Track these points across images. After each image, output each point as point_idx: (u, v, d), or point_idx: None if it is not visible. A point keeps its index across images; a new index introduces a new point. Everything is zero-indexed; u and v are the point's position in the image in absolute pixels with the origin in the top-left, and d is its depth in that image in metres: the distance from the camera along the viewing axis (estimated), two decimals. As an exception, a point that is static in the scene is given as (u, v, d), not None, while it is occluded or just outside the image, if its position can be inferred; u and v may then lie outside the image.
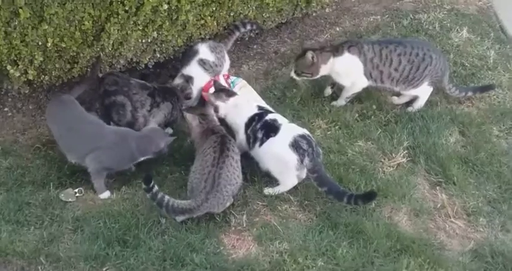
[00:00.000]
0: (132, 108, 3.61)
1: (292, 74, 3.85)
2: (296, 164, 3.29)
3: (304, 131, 3.39)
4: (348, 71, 3.83)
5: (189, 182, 3.27)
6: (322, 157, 3.38)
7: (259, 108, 3.54)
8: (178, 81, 3.84)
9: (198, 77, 3.83)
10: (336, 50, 3.81)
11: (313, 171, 3.30)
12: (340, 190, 3.29)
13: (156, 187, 3.12)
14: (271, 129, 3.38)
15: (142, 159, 3.43)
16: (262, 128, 3.41)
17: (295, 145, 3.28)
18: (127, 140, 3.37)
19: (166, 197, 3.11)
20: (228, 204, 3.27)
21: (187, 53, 3.87)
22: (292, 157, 3.28)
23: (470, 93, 4.04)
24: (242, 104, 3.55)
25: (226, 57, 3.96)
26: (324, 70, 3.81)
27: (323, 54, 3.78)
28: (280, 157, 3.31)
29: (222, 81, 3.85)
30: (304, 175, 3.41)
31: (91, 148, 3.34)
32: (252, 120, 3.46)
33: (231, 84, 3.88)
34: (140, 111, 3.63)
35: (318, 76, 3.84)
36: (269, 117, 3.45)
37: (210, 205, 3.15)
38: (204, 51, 3.82)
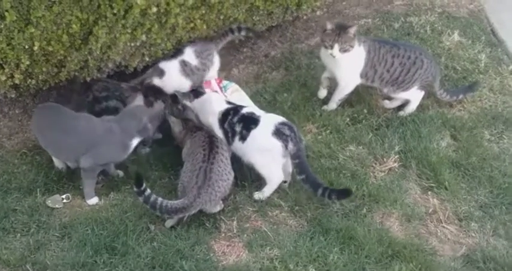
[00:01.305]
0: None
1: (336, 53, 3.67)
2: (281, 151, 3.31)
3: (284, 119, 3.42)
4: (353, 64, 3.78)
5: (179, 183, 3.25)
6: (304, 144, 3.39)
7: (228, 102, 3.58)
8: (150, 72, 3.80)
9: (171, 74, 3.77)
10: (359, 38, 3.77)
11: (295, 157, 3.30)
12: (317, 181, 3.30)
13: (148, 190, 3.09)
14: (251, 121, 3.41)
15: (134, 143, 3.35)
16: (240, 121, 3.44)
17: (278, 133, 3.31)
18: (111, 128, 3.31)
19: (159, 199, 3.09)
20: (218, 208, 3.26)
21: (173, 52, 3.83)
22: (277, 144, 3.30)
23: (461, 96, 4.03)
24: (209, 100, 3.59)
25: (216, 58, 3.90)
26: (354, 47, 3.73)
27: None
28: (265, 148, 3.33)
29: (215, 85, 3.83)
30: (290, 169, 3.39)
31: (86, 146, 3.28)
32: (226, 115, 3.49)
33: (223, 89, 3.86)
34: None
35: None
36: (245, 110, 3.48)
37: (202, 200, 3.13)
38: (189, 53, 3.79)
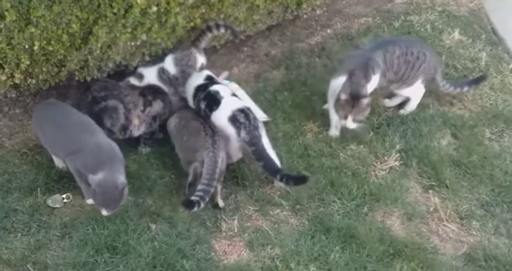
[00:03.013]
0: (125, 110, 3.57)
1: (351, 125, 3.60)
2: (235, 137, 3.37)
3: (244, 105, 3.50)
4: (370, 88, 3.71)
5: (181, 150, 3.39)
6: (261, 131, 3.42)
7: (207, 78, 3.69)
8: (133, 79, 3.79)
9: (148, 79, 3.75)
10: (366, 73, 3.63)
11: (250, 144, 3.36)
12: (275, 167, 3.33)
13: (196, 203, 3.13)
14: (214, 102, 3.50)
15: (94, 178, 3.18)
16: (205, 98, 3.54)
17: (233, 119, 3.39)
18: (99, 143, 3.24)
19: (201, 192, 3.16)
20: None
21: (154, 58, 3.79)
22: (231, 130, 3.38)
23: (466, 88, 4.01)
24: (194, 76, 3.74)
25: (199, 62, 3.80)
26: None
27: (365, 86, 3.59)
28: (223, 131, 3.41)
29: None
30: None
31: (70, 148, 3.25)
32: (198, 90, 3.61)
33: None
34: (134, 113, 3.58)
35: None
36: (213, 88, 3.57)
37: (219, 146, 3.27)
38: (168, 61, 3.75)
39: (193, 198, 3.15)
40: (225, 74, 4.09)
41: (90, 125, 3.35)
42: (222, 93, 3.54)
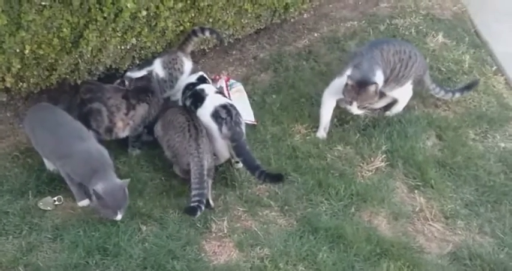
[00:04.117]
0: (109, 112, 3.58)
1: (356, 111, 3.66)
2: (218, 133, 3.42)
3: (227, 101, 3.54)
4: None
5: (170, 152, 3.43)
6: (244, 128, 3.46)
7: (199, 78, 3.75)
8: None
9: None
10: (371, 66, 3.66)
11: (232, 140, 3.41)
12: (254, 164, 3.39)
13: (197, 207, 3.21)
14: (198, 99, 3.56)
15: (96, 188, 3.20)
16: (191, 96, 3.61)
17: (215, 115, 3.44)
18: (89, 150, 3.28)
19: (196, 197, 3.23)
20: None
21: (143, 62, 3.82)
22: (213, 126, 3.43)
23: (458, 94, 4.06)
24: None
25: (186, 66, 3.86)
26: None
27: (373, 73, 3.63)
28: (208, 128, 3.45)
29: (223, 82, 3.99)
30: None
31: (60, 153, 3.28)
32: (186, 88, 3.69)
33: (229, 87, 4.00)
34: (117, 115, 3.59)
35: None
36: (199, 86, 3.64)
37: (203, 150, 3.31)
38: (157, 65, 3.79)
39: (192, 204, 3.20)
40: (224, 77, 4.15)
41: (81, 130, 3.37)
42: (207, 91, 3.59)
